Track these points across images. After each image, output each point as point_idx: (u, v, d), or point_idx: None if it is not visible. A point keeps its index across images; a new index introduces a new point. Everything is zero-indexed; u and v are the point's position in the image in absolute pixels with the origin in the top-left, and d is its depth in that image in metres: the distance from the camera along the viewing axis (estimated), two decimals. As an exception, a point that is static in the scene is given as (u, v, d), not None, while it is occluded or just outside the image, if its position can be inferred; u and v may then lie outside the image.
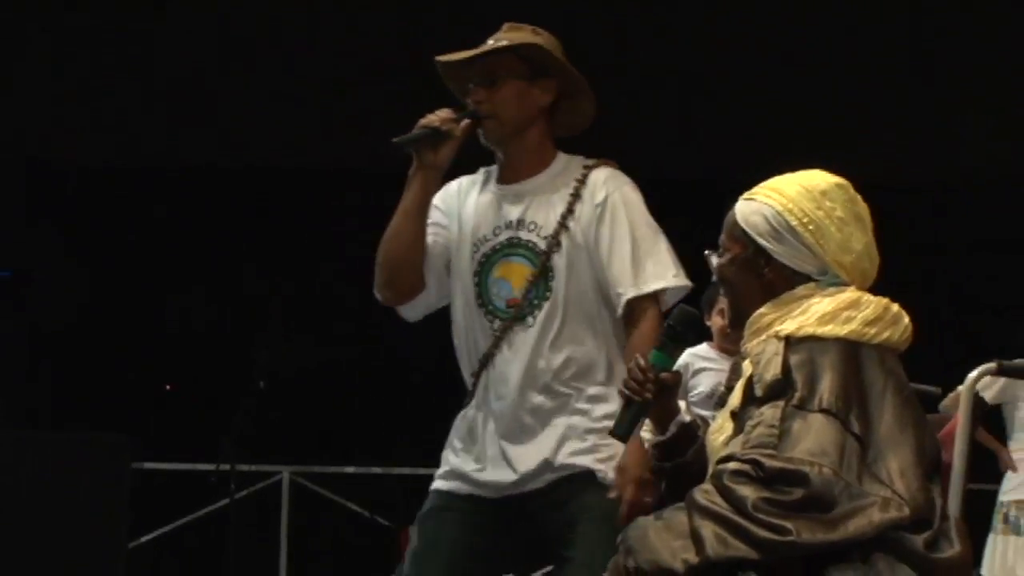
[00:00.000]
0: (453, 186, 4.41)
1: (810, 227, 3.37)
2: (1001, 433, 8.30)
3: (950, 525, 3.16)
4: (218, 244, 12.06)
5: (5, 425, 10.78)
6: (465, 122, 4.23)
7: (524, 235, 4.26)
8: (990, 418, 8.13)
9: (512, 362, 4.21)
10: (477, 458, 4.26)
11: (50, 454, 9.25)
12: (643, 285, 4.16)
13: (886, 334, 3.28)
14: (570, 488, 4.13)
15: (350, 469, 11.17)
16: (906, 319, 3.34)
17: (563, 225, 4.21)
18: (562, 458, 4.16)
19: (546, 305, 4.19)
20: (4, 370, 11.70)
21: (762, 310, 3.38)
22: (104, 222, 12.16)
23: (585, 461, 4.14)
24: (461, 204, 4.37)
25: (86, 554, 9.05)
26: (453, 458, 4.31)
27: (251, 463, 10.34)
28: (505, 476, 4.20)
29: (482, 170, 4.42)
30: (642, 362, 3.51)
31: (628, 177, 4.31)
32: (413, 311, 4.40)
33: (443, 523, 4.26)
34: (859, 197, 3.45)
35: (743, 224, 3.43)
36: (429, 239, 4.34)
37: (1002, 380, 7.78)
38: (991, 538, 8.17)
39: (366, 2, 10.03)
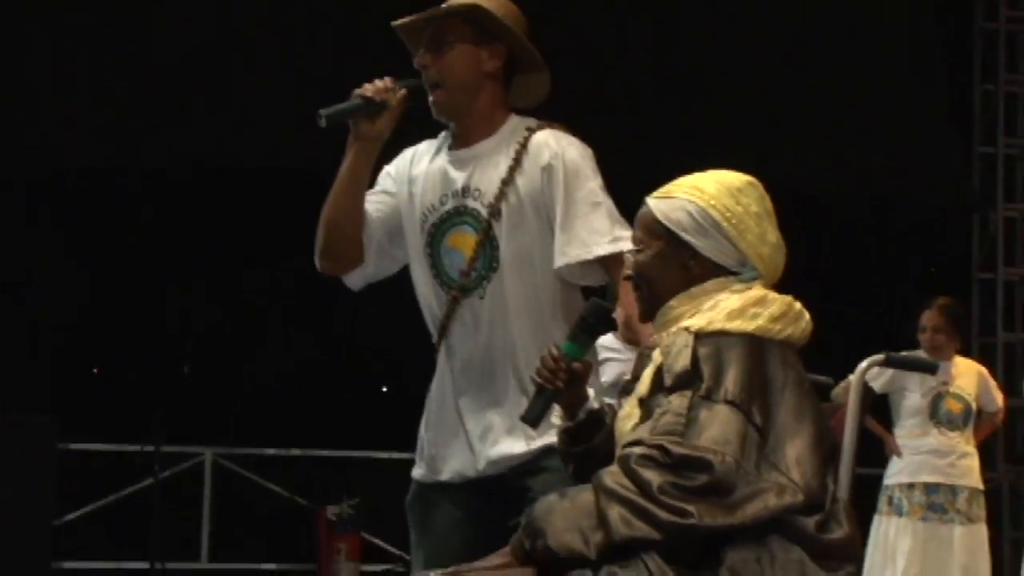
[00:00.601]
0: (408, 152, 4.32)
1: (732, 221, 3.51)
2: (888, 421, 8.62)
3: (839, 508, 3.34)
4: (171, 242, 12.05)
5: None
6: (402, 91, 4.14)
7: (470, 203, 4.15)
8: (878, 406, 8.43)
9: (466, 336, 4.13)
10: (439, 442, 4.19)
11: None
12: (572, 252, 4.06)
13: (789, 330, 3.44)
14: (530, 471, 4.06)
15: (271, 451, 11.33)
16: (807, 316, 3.49)
17: (502, 192, 4.11)
18: (521, 447, 4.09)
19: (494, 276, 4.10)
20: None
21: (671, 303, 3.51)
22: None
23: (543, 442, 4.03)
24: (412, 171, 4.26)
25: (14, 532, 9.13)
26: (422, 442, 4.26)
27: (175, 444, 10.49)
28: (465, 464, 4.15)
29: (442, 134, 4.31)
30: (555, 352, 3.61)
31: (574, 137, 4.19)
32: (352, 281, 4.31)
33: (426, 508, 4.21)
34: (767, 195, 3.60)
35: (664, 221, 3.54)
36: (371, 208, 4.25)
37: (890, 371, 8.10)
38: (876, 519, 8.49)
39: (368, 6, 10.00)
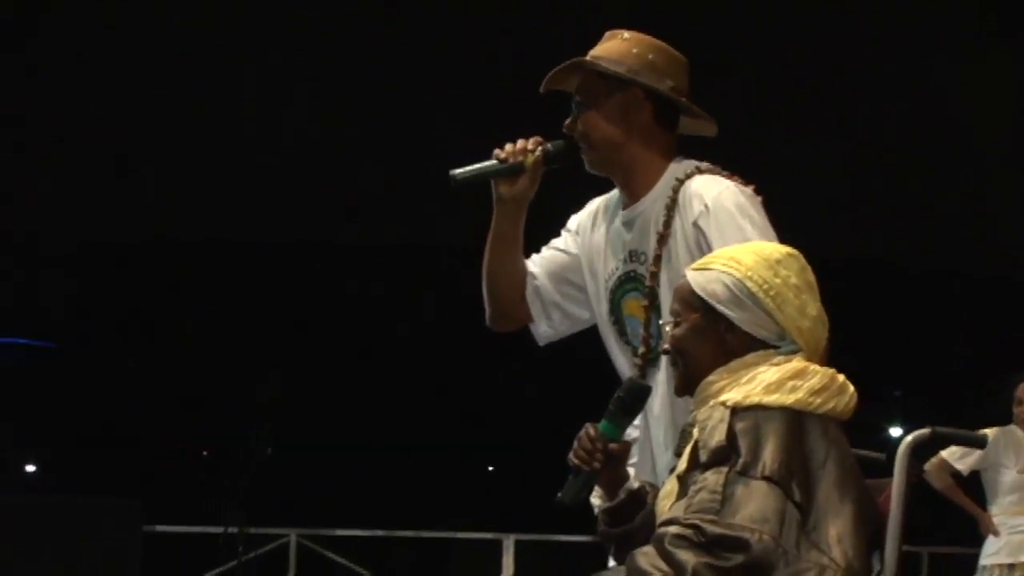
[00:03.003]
0: (593, 206, 4.19)
1: (771, 293, 3.42)
2: (981, 498, 8.42)
3: None
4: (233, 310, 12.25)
5: (26, 490, 11.02)
6: (537, 154, 4.03)
7: (638, 268, 4.01)
8: (970, 483, 8.27)
9: (654, 400, 3.91)
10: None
11: (64, 518, 9.42)
12: None
13: (831, 404, 3.34)
14: None
15: (355, 532, 11.29)
16: (851, 389, 3.39)
17: (658, 256, 3.95)
18: None
19: None
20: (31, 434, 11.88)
21: (711, 377, 3.42)
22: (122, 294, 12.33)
23: None
24: (594, 232, 4.14)
25: (99, 615, 9.21)
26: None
27: (259, 526, 10.48)
28: None
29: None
30: (592, 432, 3.52)
31: (728, 181, 3.96)
32: (537, 339, 4.24)
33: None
34: (808, 266, 3.51)
35: (701, 293, 3.46)
36: (541, 266, 4.18)
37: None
38: None
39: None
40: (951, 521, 8.71)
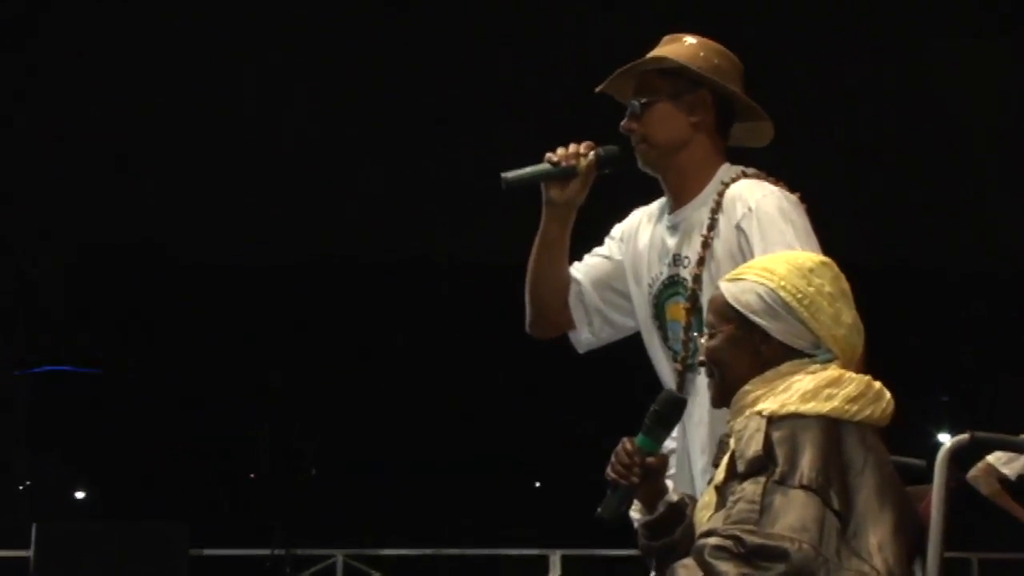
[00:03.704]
0: (638, 215, 4.20)
1: (804, 303, 3.42)
2: None
3: None
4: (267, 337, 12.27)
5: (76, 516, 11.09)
6: (591, 158, 4.03)
7: (681, 271, 4.01)
8: (1018, 489, 8.20)
9: (693, 405, 3.92)
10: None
11: (111, 543, 9.46)
12: None
13: (868, 411, 3.33)
14: None
15: (402, 551, 11.28)
16: (887, 396, 3.38)
17: (702, 258, 3.94)
18: None
19: None
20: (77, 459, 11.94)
21: (746, 388, 3.42)
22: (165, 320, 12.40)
23: None
24: (639, 239, 4.14)
25: (147, 639, 9.24)
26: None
27: (306, 547, 10.49)
28: None
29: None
30: (629, 446, 3.52)
31: (774, 187, 3.96)
32: (576, 344, 4.24)
33: None
34: (842, 274, 3.51)
35: (735, 304, 3.46)
36: (585, 272, 4.18)
37: None
38: None
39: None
40: (1002, 526, 8.65)
